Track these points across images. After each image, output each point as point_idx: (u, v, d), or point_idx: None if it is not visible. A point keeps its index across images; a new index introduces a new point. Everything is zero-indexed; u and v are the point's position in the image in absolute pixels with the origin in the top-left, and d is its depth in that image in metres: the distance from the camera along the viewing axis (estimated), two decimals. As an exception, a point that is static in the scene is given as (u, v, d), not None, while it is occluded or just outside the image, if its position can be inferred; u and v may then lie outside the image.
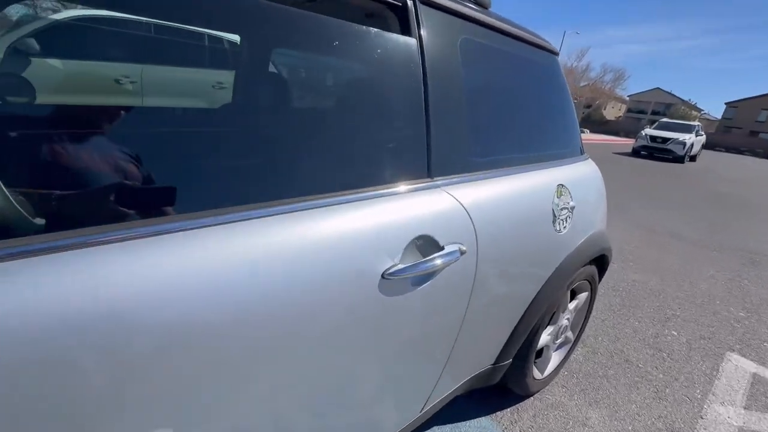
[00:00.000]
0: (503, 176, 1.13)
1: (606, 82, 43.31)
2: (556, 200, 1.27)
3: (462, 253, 0.90)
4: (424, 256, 0.84)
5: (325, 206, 0.73)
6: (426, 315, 0.90)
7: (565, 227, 1.31)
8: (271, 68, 1.38)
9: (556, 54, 1.51)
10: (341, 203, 0.75)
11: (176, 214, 0.58)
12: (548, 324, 1.55)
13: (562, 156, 1.49)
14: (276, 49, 1.33)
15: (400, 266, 0.78)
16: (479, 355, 1.26)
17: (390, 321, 0.82)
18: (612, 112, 53.89)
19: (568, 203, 1.34)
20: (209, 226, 0.59)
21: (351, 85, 1.04)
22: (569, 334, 1.78)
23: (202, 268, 0.56)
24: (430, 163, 0.93)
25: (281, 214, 0.67)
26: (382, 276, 0.76)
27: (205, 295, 0.55)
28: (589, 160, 1.71)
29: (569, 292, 1.58)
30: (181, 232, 0.56)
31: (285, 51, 1.33)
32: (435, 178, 0.94)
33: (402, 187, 0.87)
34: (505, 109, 1.27)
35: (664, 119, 17.29)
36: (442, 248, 0.87)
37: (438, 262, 0.84)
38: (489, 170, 1.10)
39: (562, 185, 1.32)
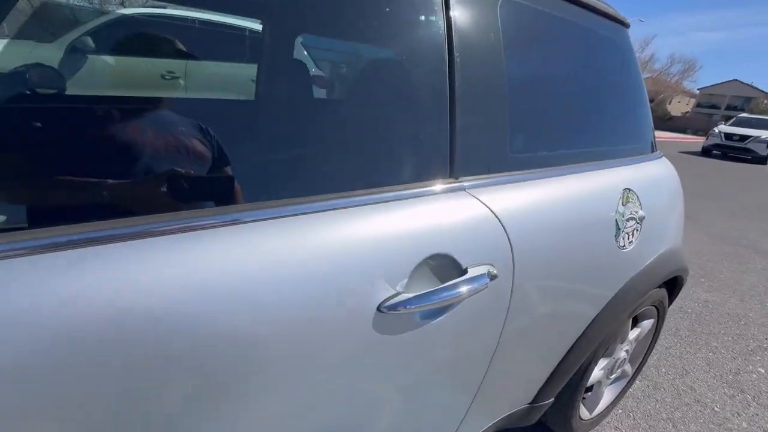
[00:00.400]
0: (552, 177, 0.89)
1: (672, 74, 39.57)
2: (621, 208, 1.00)
3: (492, 277, 0.68)
4: (440, 283, 0.63)
5: (300, 214, 0.55)
6: (440, 354, 0.70)
7: (630, 242, 1.04)
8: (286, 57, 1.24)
9: (627, 26, 1.22)
10: (323, 210, 0.56)
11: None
12: (602, 357, 1.27)
13: (630, 153, 1.20)
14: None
15: (404, 296, 0.58)
16: (513, 395, 1.03)
17: (388, 361, 0.63)
18: (678, 107, 49.18)
19: (636, 212, 1.06)
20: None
21: (344, 60, 0.85)
22: (627, 367, 1.48)
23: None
24: (453, 159, 0.72)
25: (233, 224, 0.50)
26: (378, 309, 0.57)
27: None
28: (664, 159, 1.39)
29: (631, 319, 1.29)
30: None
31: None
32: (459, 179, 0.72)
33: (412, 189, 0.67)
34: (557, 93, 1.01)
35: (744, 114, 15.26)
36: (465, 271, 0.66)
37: (459, 290, 0.63)
38: (533, 170, 0.86)
39: (629, 190, 1.05)
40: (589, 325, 1.03)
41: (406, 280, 0.60)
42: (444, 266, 0.65)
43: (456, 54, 0.71)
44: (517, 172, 0.82)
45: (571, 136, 1.04)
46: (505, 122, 0.81)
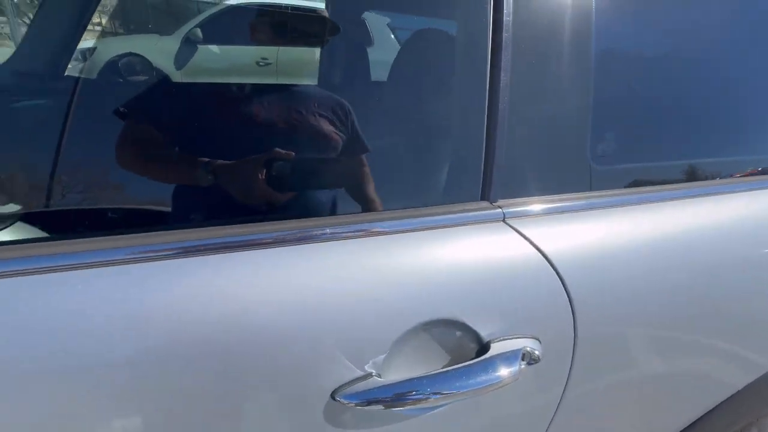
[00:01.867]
0: (663, 200, 0.58)
1: None
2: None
3: (531, 360, 0.44)
4: (438, 365, 0.42)
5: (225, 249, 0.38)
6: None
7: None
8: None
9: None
10: (257, 245, 0.39)
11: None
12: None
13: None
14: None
15: (375, 382, 0.39)
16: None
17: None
18: None
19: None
20: None
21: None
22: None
23: None
24: (488, 172, 0.48)
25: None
26: (332, 397, 0.38)
27: None
28: None
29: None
30: None
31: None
32: (496, 203, 0.49)
33: (414, 217, 0.45)
34: (676, 73, 0.68)
35: None
36: (486, 347, 0.43)
37: (468, 382, 0.40)
38: (629, 189, 0.57)
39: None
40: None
41: (383, 357, 0.40)
42: (451, 337, 0.43)
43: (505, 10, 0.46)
44: (601, 194, 0.55)
45: (699, 139, 0.69)
46: (585, 113, 0.54)
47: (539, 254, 0.47)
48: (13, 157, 0.58)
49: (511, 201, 0.49)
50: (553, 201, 0.51)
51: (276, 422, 0.39)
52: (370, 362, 0.40)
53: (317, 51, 0.81)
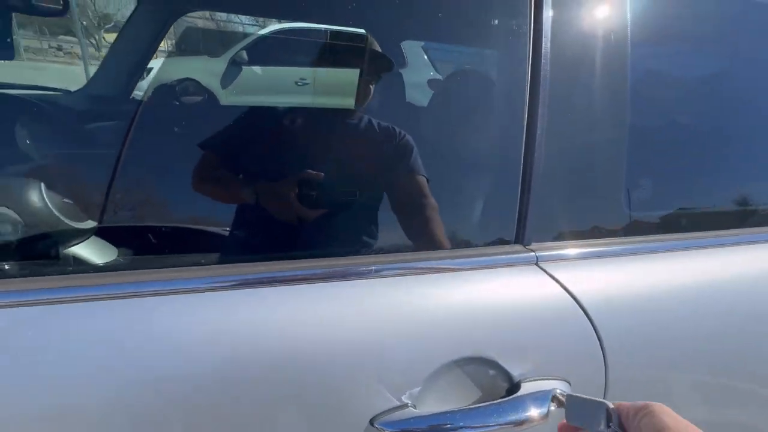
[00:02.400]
0: (698, 248, 0.58)
1: None
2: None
3: (560, 402, 0.45)
4: (470, 399, 0.44)
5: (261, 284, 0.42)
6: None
7: None
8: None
9: None
10: (295, 279, 0.43)
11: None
12: None
13: None
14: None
15: (410, 413, 0.42)
16: None
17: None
18: None
19: None
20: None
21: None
22: None
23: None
24: (523, 215, 0.51)
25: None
26: (371, 423, 0.42)
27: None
28: None
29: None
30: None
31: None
32: (530, 245, 0.51)
33: (448, 257, 0.49)
34: (716, 116, 0.68)
35: None
36: (516, 386, 0.45)
37: (499, 419, 0.43)
38: (664, 236, 0.58)
39: None
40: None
41: (418, 389, 0.43)
42: (483, 374, 0.45)
43: (543, 52, 0.49)
44: (635, 239, 0.56)
45: (740, 186, 0.69)
46: (619, 157, 0.56)
47: (571, 298, 0.49)
48: (88, 176, 0.66)
49: (545, 245, 0.52)
50: (586, 245, 0.53)
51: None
52: (407, 393, 0.43)
53: (354, 75, 0.85)
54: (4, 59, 0.75)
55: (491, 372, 0.45)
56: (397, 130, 0.59)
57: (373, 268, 0.45)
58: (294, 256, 0.46)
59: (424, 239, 0.52)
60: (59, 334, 0.36)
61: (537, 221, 0.51)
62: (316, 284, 0.43)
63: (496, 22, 0.55)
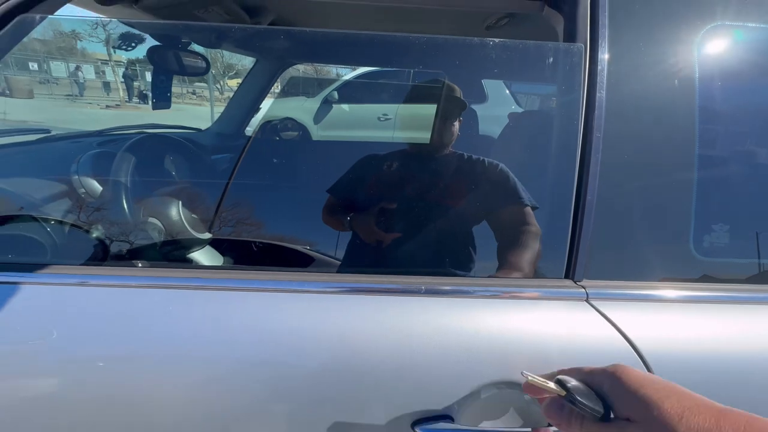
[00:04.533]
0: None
1: None
2: None
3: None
4: (504, 421, 0.46)
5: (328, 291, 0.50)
6: None
7: None
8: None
9: None
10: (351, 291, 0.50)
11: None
12: None
13: None
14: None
15: (443, 426, 0.45)
16: None
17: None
18: None
19: None
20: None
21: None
22: None
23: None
24: (575, 251, 0.52)
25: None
26: (411, 427, 0.46)
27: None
28: None
29: None
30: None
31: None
32: (581, 281, 0.52)
33: (500, 286, 0.52)
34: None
35: None
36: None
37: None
38: (738, 285, 0.53)
39: None
40: None
41: (457, 404, 0.46)
42: (521, 401, 0.47)
43: (596, 99, 0.52)
44: (702, 286, 0.53)
45: None
46: (687, 199, 0.54)
47: (623, 338, 0.48)
48: (209, 198, 0.84)
49: (598, 283, 0.52)
50: (644, 287, 0.52)
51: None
52: (450, 405, 0.46)
53: (433, 111, 0.93)
54: (164, 108, 1.00)
55: (530, 399, 0.47)
56: (494, 162, 0.66)
57: (422, 288, 0.51)
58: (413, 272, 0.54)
59: (521, 264, 0.56)
60: (184, 311, 0.48)
61: (591, 257, 0.52)
62: (395, 296, 0.50)
63: (554, 68, 0.58)
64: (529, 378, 0.38)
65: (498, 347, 0.48)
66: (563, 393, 0.35)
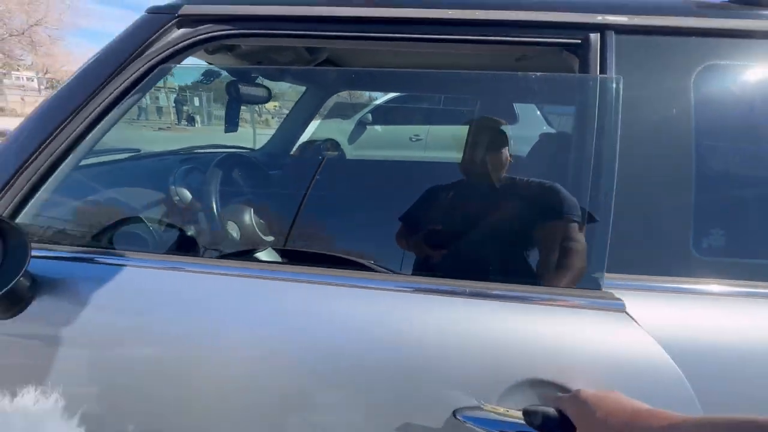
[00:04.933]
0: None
1: None
2: None
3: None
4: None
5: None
6: None
7: None
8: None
9: None
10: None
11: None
12: None
13: None
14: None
15: (488, 414, 0.50)
16: None
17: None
18: None
19: None
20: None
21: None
22: None
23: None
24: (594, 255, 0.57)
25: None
26: (453, 414, 0.51)
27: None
28: None
29: None
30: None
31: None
32: (607, 288, 0.56)
33: (538, 293, 0.57)
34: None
35: None
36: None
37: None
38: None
39: None
40: None
41: (496, 397, 0.51)
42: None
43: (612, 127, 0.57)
44: (734, 286, 0.56)
45: None
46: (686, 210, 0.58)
47: (658, 346, 0.52)
48: (271, 206, 0.94)
49: (632, 292, 0.56)
50: (673, 294, 0.55)
51: (410, 418, 0.53)
52: (486, 398, 0.51)
53: (465, 132, 0.99)
54: (232, 131, 1.14)
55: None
56: (545, 182, 0.74)
57: (467, 290, 0.57)
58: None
59: (567, 275, 0.62)
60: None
61: (627, 269, 0.57)
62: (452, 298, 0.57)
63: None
64: (487, 408, 0.47)
65: (536, 349, 0.53)
66: (520, 417, 0.46)
